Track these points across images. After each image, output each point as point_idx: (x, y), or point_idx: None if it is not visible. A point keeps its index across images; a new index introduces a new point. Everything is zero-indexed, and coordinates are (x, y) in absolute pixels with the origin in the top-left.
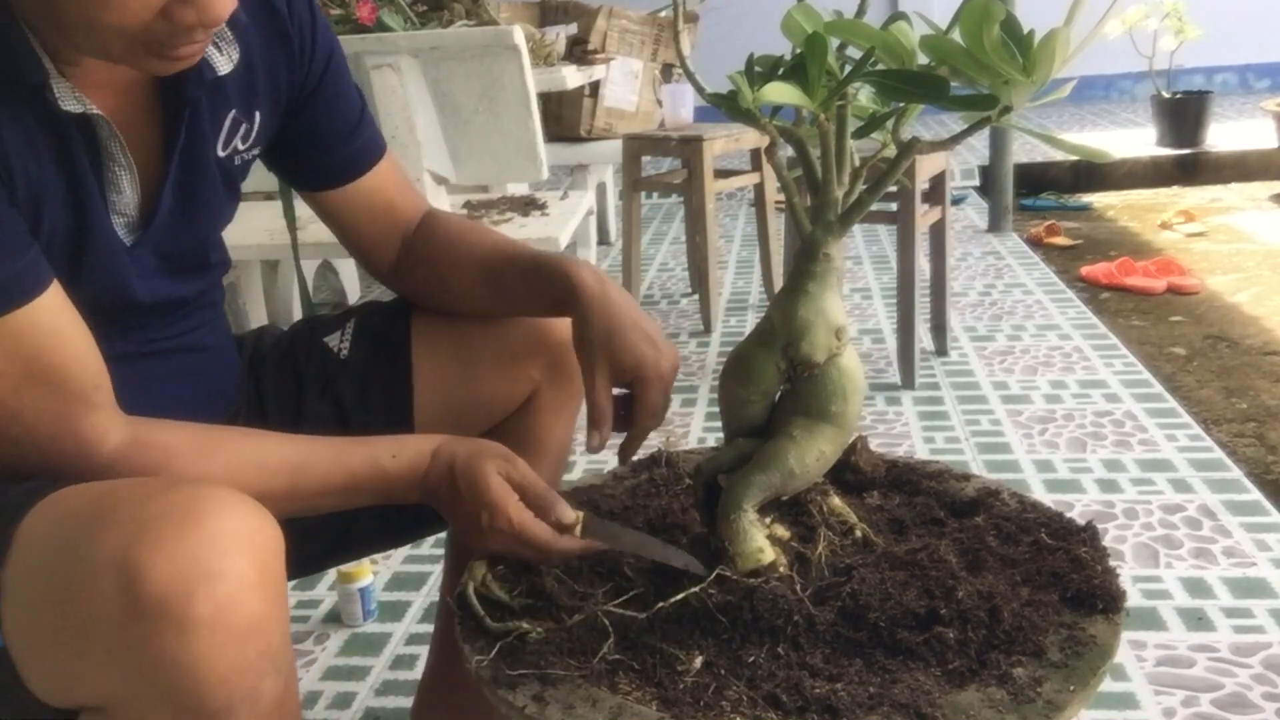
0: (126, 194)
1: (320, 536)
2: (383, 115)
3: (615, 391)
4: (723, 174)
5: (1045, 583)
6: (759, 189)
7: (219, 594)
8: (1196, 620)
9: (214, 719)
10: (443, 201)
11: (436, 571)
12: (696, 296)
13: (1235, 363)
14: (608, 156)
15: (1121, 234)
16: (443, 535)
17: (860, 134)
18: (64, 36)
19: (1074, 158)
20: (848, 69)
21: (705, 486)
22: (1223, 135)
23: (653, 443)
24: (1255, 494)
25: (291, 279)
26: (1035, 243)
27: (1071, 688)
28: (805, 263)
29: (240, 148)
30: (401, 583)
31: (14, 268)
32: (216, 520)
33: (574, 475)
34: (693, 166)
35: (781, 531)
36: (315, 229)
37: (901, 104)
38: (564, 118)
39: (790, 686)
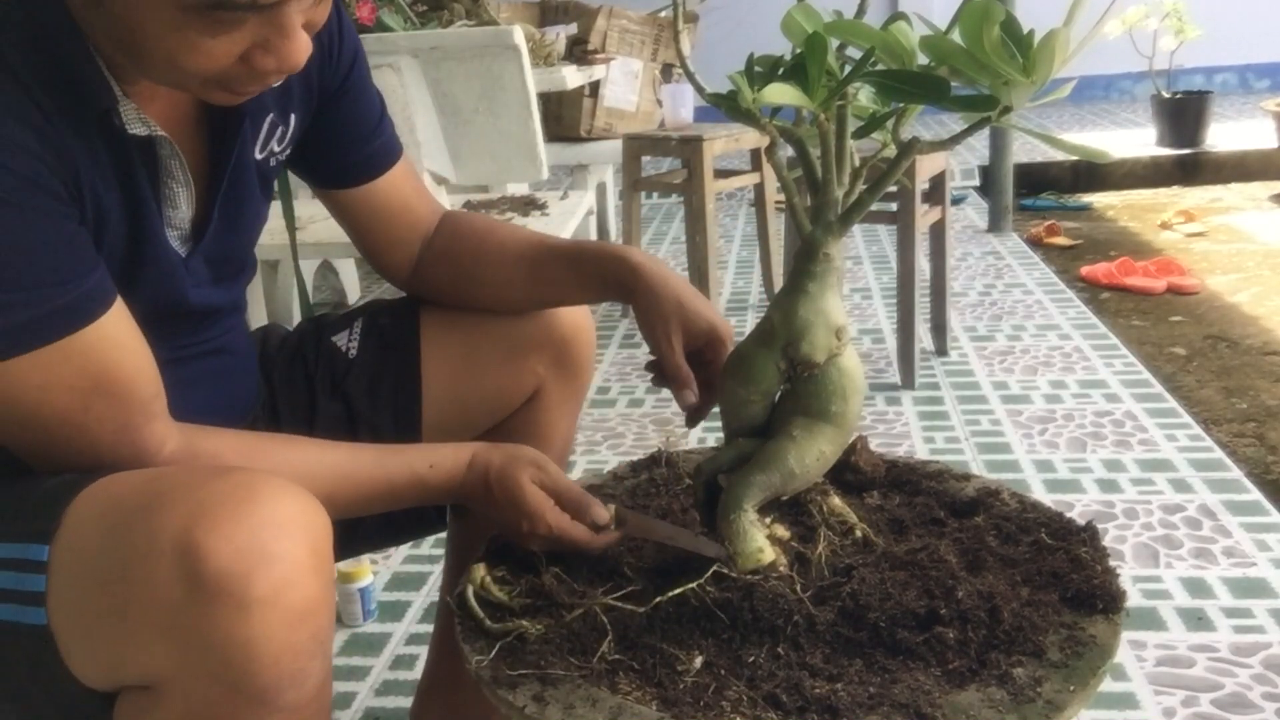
0: (182, 209)
1: None
2: None
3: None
4: (723, 174)
5: (1045, 583)
6: (759, 189)
7: (277, 575)
8: (1196, 620)
9: (262, 697)
10: (443, 201)
11: (436, 571)
12: None
13: (1235, 363)
14: (608, 156)
15: (1121, 234)
16: (443, 535)
17: (860, 134)
18: (139, 68)
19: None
20: (848, 69)
21: (705, 486)
22: (1223, 135)
23: (653, 443)
24: (1255, 494)
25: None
26: (1035, 243)
27: (1071, 688)
28: (805, 263)
29: (275, 149)
30: (401, 583)
31: (86, 286)
32: (272, 504)
33: (574, 475)
34: (693, 166)
35: (781, 531)
36: (315, 229)
37: (901, 104)
38: (564, 118)
39: (790, 686)
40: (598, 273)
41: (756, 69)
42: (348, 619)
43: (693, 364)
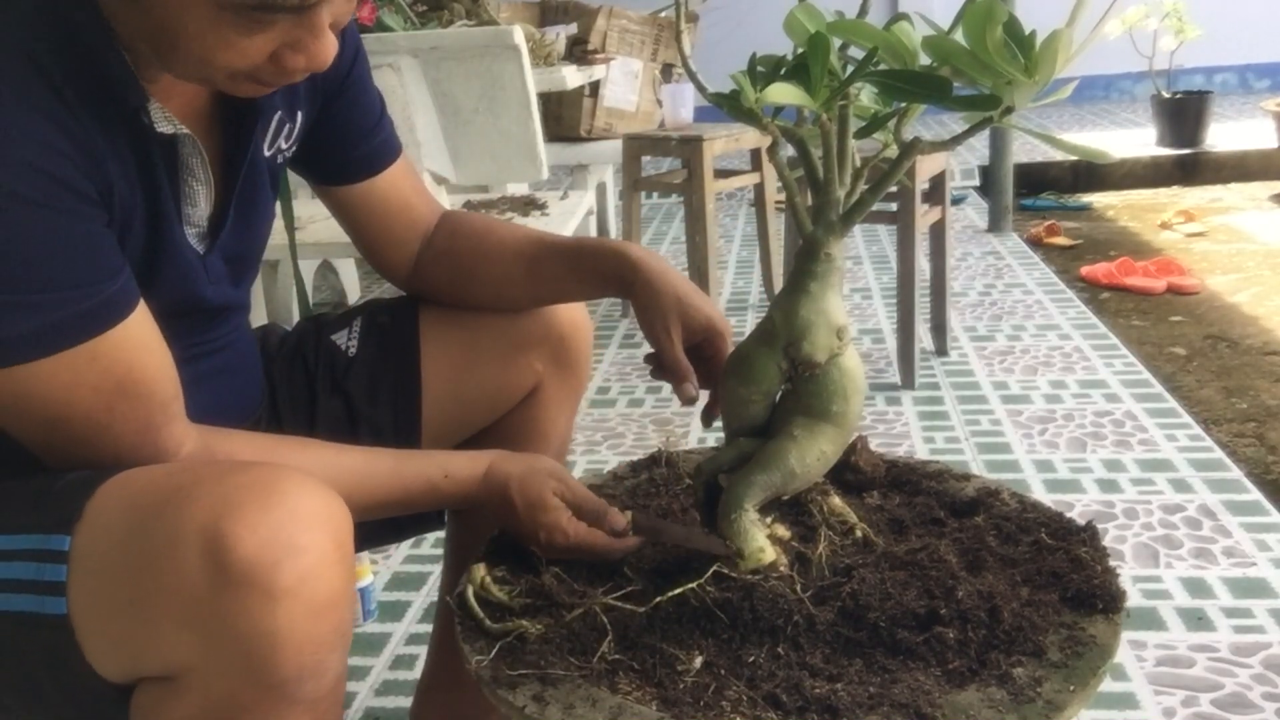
0: (201, 206)
1: None
2: None
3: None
4: (723, 174)
5: (1045, 583)
6: (759, 189)
7: (302, 566)
8: (1196, 620)
9: (283, 688)
10: (443, 202)
11: (436, 571)
12: None
13: (1235, 363)
14: (608, 156)
15: (1121, 234)
16: (443, 535)
17: (862, 134)
18: (166, 63)
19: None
20: (850, 69)
21: (705, 486)
22: (1223, 135)
23: (653, 443)
24: (1255, 494)
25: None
26: (1035, 243)
27: (1071, 688)
28: (807, 262)
29: (283, 147)
30: (401, 583)
31: (113, 289)
32: (296, 497)
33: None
34: (693, 166)
35: (782, 531)
36: (315, 229)
37: (903, 104)
38: (564, 118)
39: (790, 686)
40: (597, 268)
41: (759, 69)
42: None
43: (693, 359)
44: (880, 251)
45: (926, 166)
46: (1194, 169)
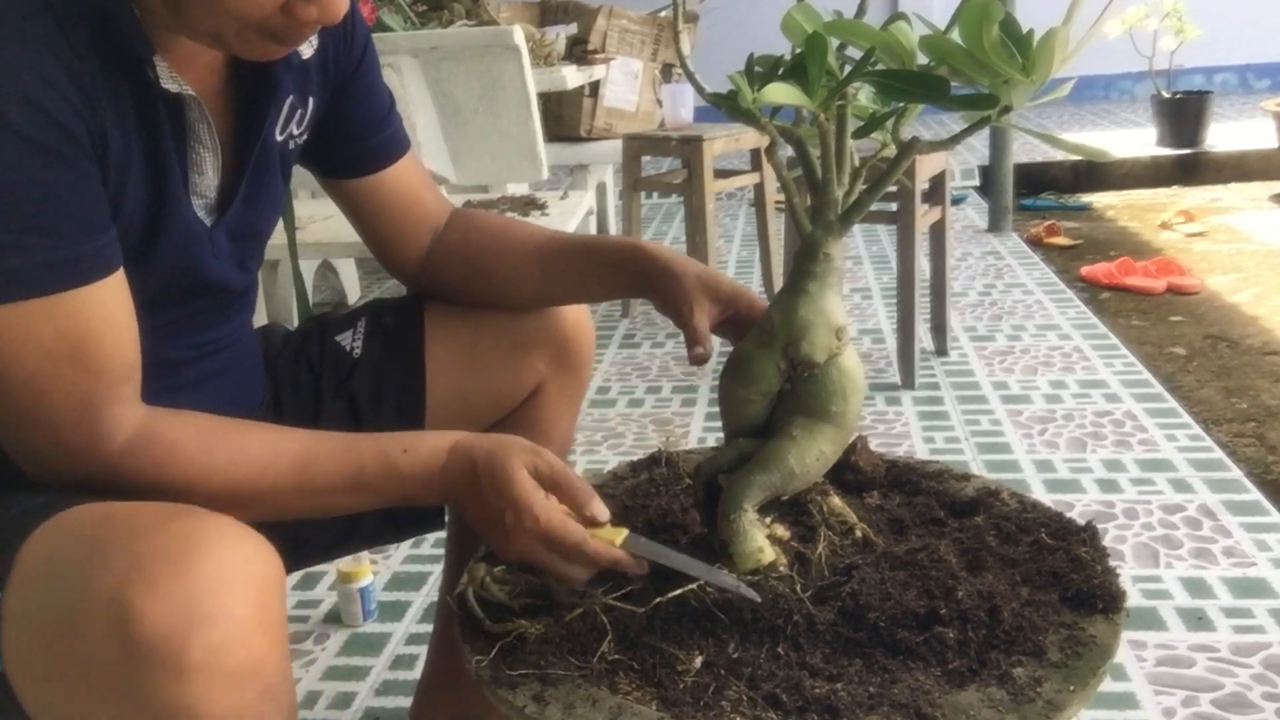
0: (208, 175)
1: (327, 531)
2: None
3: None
4: (723, 174)
5: (1045, 583)
6: (759, 189)
7: (214, 637)
8: (1196, 620)
9: None
10: None
11: (436, 571)
12: None
13: (1235, 363)
14: (608, 156)
15: (1121, 234)
16: (443, 535)
17: (860, 134)
18: (177, 15)
19: (1074, 158)
20: (848, 69)
21: (705, 486)
22: (1223, 135)
23: (653, 443)
24: (1255, 494)
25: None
26: (1035, 243)
27: (1071, 688)
28: (805, 262)
29: (295, 132)
30: (401, 583)
31: (91, 246)
32: (213, 559)
33: None
34: (693, 166)
35: (781, 531)
36: (315, 229)
37: (901, 104)
38: (564, 118)
39: (790, 686)
40: (613, 263)
41: (756, 69)
42: (348, 619)
43: (728, 331)
44: (880, 251)
45: (926, 166)
46: (1194, 169)
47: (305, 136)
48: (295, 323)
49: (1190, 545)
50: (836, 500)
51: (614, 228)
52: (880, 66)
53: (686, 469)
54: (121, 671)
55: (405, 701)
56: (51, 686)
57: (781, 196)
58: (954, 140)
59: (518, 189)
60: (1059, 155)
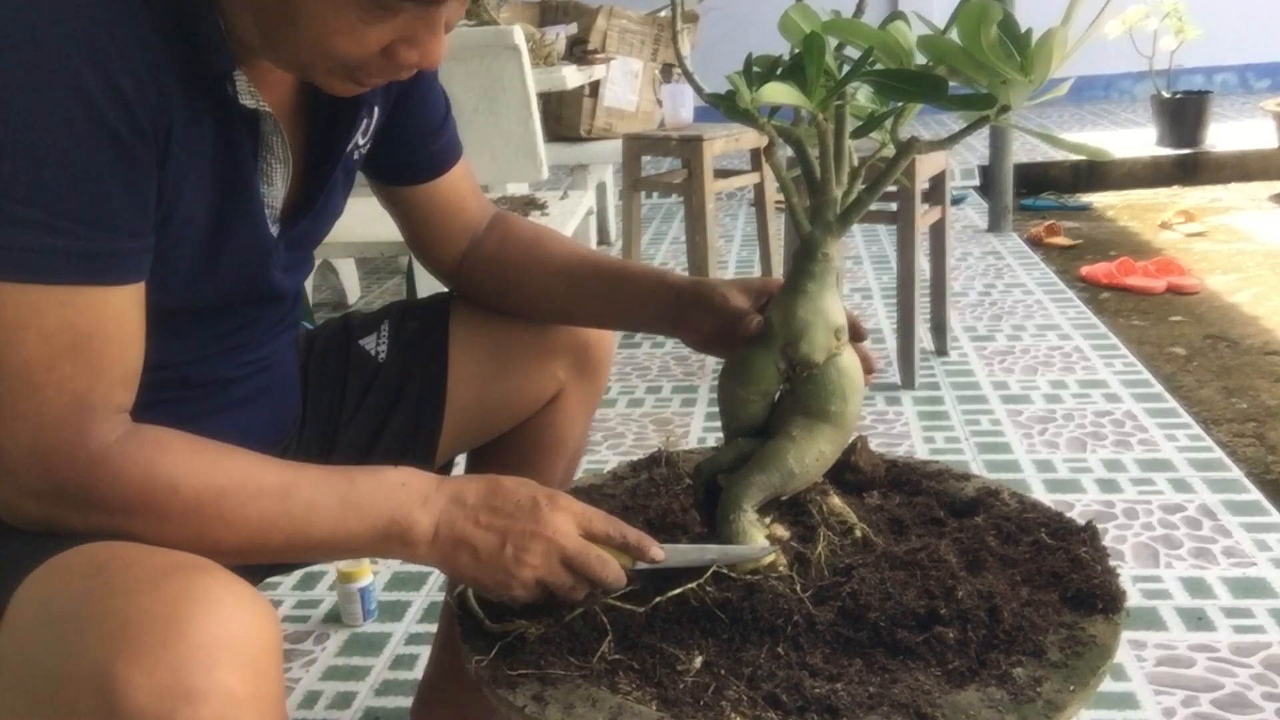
0: (276, 187)
1: None
2: None
3: None
4: (723, 174)
5: (1045, 583)
6: (759, 189)
7: (203, 714)
8: (1196, 620)
9: None
10: None
11: (437, 571)
12: None
13: (1235, 363)
14: (608, 156)
15: (1121, 234)
16: None
17: (859, 134)
18: (273, 44)
19: (1074, 158)
20: (846, 69)
21: (705, 486)
22: (1223, 135)
23: (653, 443)
24: (1255, 494)
25: None
26: (1035, 243)
27: (1071, 688)
28: (804, 262)
29: (359, 142)
30: (401, 583)
31: (119, 246)
32: (205, 624)
33: (574, 475)
34: (693, 166)
35: (781, 531)
36: None
37: (900, 104)
38: (564, 118)
39: (790, 686)
40: (645, 290)
41: (755, 69)
42: (348, 619)
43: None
44: (880, 251)
45: (926, 166)
46: (1194, 169)
47: (369, 145)
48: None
49: (1190, 545)
50: (836, 500)
51: (614, 228)
52: (879, 66)
53: (686, 469)
54: None
55: (405, 701)
56: None
57: (781, 196)
58: (953, 140)
59: (518, 189)
60: (1059, 155)
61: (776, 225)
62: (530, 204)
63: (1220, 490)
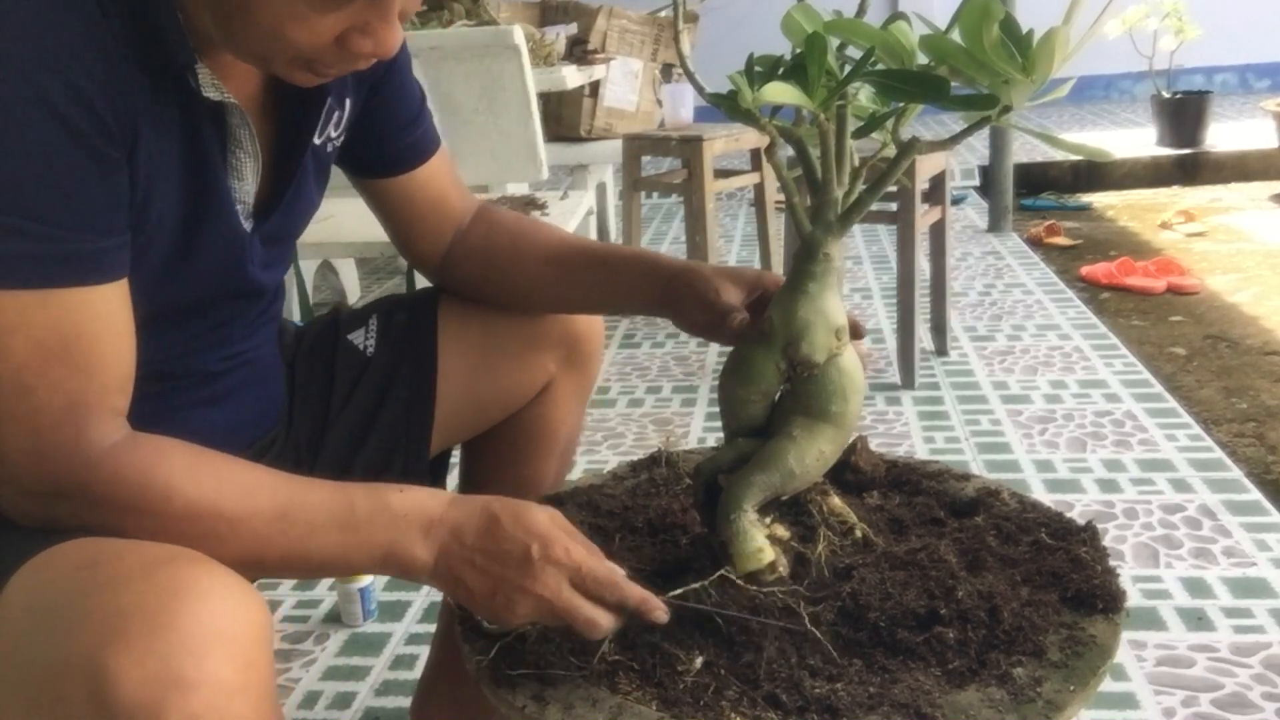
0: (248, 181)
1: None
2: None
3: None
4: (723, 174)
5: (1045, 583)
6: (759, 189)
7: (194, 704)
8: (1196, 620)
9: None
10: None
11: None
12: None
13: (1235, 363)
14: (608, 156)
15: (1121, 234)
16: None
17: (860, 134)
18: (229, 36)
19: (1074, 158)
20: (847, 69)
21: (705, 486)
22: (1223, 135)
23: (653, 443)
24: (1255, 494)
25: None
26: (1035, 243)
27: (1071, 688)
28: (805, 263)
29: (332, 135)
30: (401, 583)
31: (99, 245)
32: (195, 614)
33: (573, 475)
34: (693, 166)
35: (781, 531)
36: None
37: (901, 104)
38: (564, 118)
39: (790, 686)
40: (636, 273)
41: (756, 69)
42: (348, 619)
43: (758, 311)
44: (880, 251)
45: (926, 166)
46: (1194, 169)
47: (343, 138)
48: (297, 320)
49: (1190, 545)
50: (836, 500)
51: (614, 228)
52: (880, 66)
53: (686, 469)
54: None
55: (405, 701)
56: None
57: (781, 196)
58: (954, 140)
59: (518, 189)
60: (1059, 155)
61: (776, 225)
62: (530, 204)
63: (1220, 490)
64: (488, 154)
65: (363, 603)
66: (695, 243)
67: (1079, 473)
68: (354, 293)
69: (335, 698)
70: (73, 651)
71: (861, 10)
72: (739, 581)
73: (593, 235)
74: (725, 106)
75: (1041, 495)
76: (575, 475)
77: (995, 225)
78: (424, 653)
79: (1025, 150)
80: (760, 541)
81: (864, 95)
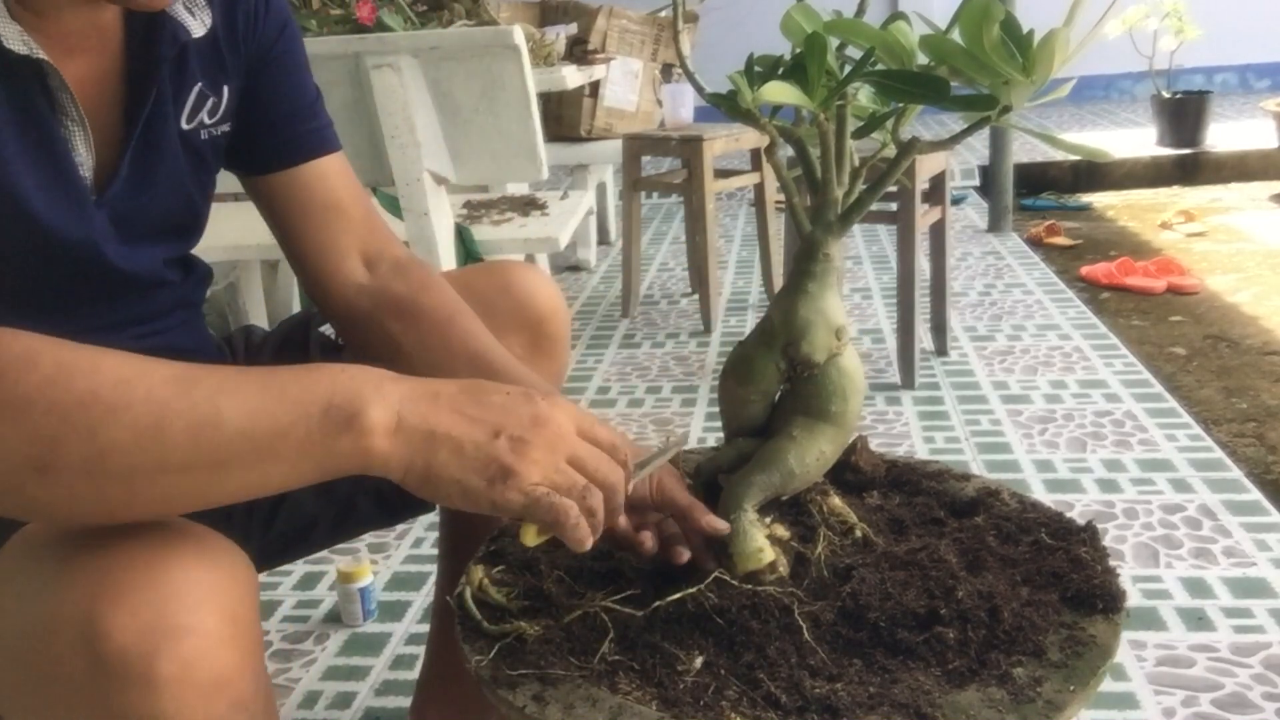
0: (81, 153)
1: (321, 521)
2: (383, 115)
3: None
4: (723, 174)
5: (1045, 583)
6: (759, 189)
7: (185, 650)
8: (1196, 620)
9: None
10: (443, 201)
11: (436, 571)
12: (696, 296)
13: (1235, 363)
14: (608, 156)
15: (1121, 234)
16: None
17: (860, 134)
18: None
19: (1074, 158)
20: (847, 69)
21: (705, 486)
22: (1223, 135)
23: (653, 443)
24: (1255, 494)
25: (291, 279)
26: (1035, 243)
27: (1071, 688)
28: (805, 262)
29: (207, 121)
30: (401, 583)
31: None
32: (182, 569)
33: None
34: (693, 166)
35: (781, 531)
36: None
37: (901, 104)
38: (564, 118)
39: (790, 686)
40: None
41: (756, 69)
42: (348, 619)
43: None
44: (880, 251)
45: (926, 166)
46: (1194, 169)
47: (225, 126)
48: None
49: (1190, 545)
50: (836, 500)
51: (614, 228)
52: (880, 66)
53: (686, 469)
54: (92, 688)
55: (405, 701)
56: (22, 703)
57: (781, 196)
58: (953, 140)
59: (518, 189)
60: (1059, 155)
61: (776, 225)
62: (530, 204)
63: (1220, 490)
64: (488, 154)
65: (363, 603)
66: (695, 243)
67: (1079, 473)
68: None
69: (335, 698)
70: (64, 609)
71: (861, 10)
72: (735, 581)
73: (593, 235)
74: (725, 106)
75: (1041, 495)
76: None
77: (995, 225)
78: (423, 652)
79: (1025, 150)
80: (760, 541)
81: (864, 95)
